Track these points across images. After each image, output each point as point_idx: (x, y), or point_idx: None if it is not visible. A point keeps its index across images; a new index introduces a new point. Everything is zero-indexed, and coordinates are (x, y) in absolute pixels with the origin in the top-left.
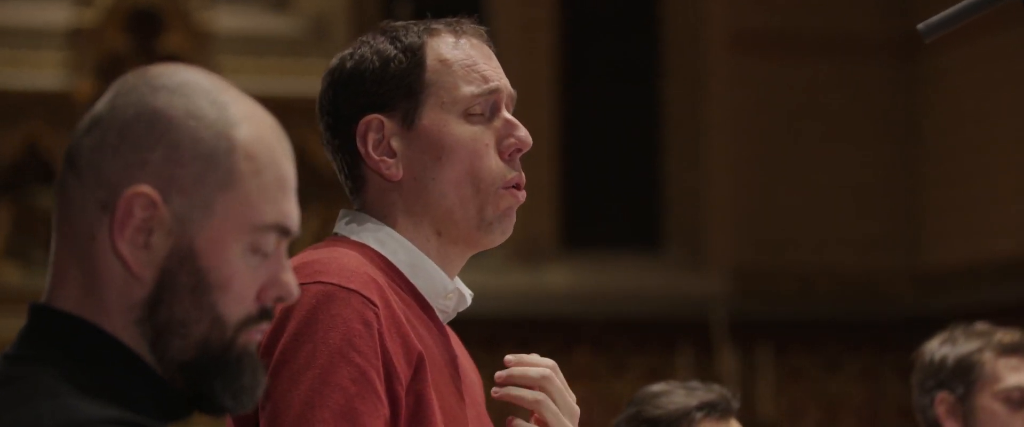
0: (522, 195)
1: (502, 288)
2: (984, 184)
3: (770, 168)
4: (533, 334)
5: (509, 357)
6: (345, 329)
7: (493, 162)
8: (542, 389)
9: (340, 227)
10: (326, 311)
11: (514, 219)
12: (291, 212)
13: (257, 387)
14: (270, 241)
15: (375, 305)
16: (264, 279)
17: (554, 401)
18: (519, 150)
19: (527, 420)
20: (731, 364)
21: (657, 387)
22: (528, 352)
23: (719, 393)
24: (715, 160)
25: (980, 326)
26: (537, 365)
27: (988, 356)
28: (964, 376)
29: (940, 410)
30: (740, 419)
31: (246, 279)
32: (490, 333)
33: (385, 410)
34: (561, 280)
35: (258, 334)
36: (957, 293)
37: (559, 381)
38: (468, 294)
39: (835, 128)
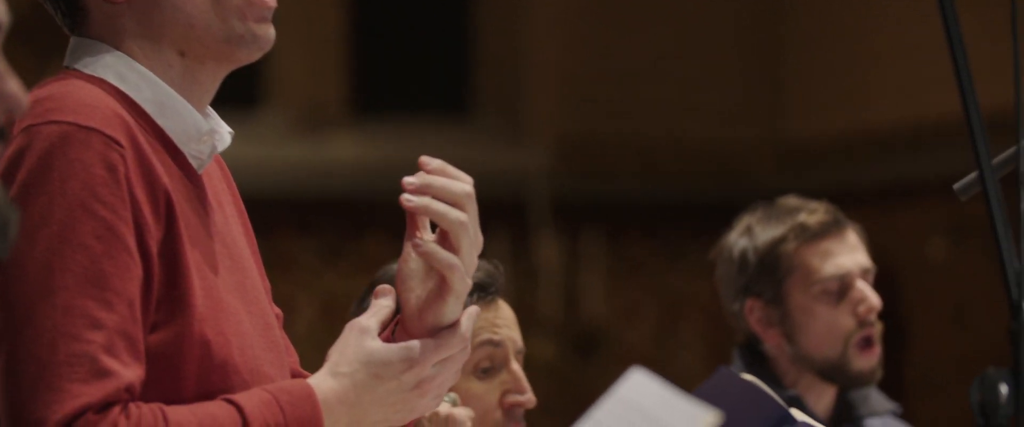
0: None
1: (280, 162)
2: (860, 41)
3: (604, 20)
4: (318, 217)
5: (425, 159)
6: (86, 176)
7: None
8: (464, 209)
9: (70, 60)
10: (62, 155)
11: (271, 26)
12: None
13: (9, 226)
14: None
15: (120, 145)
16: None
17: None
18: None
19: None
20: (553, 253)
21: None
22: (312, 237)
23: (485, 271)
24: (537, 9)
25: (784, 203)
26: (460, 178)
27: (792, 246)
28: (769, 275)
29: (752, 320)
30: (564, 319)
31: None
32: (265, 215)
33: (138, 270)
34: (351, 152)
35: None
36: (828, 169)
37: (474, 204)
38: (226, 132)
39: None
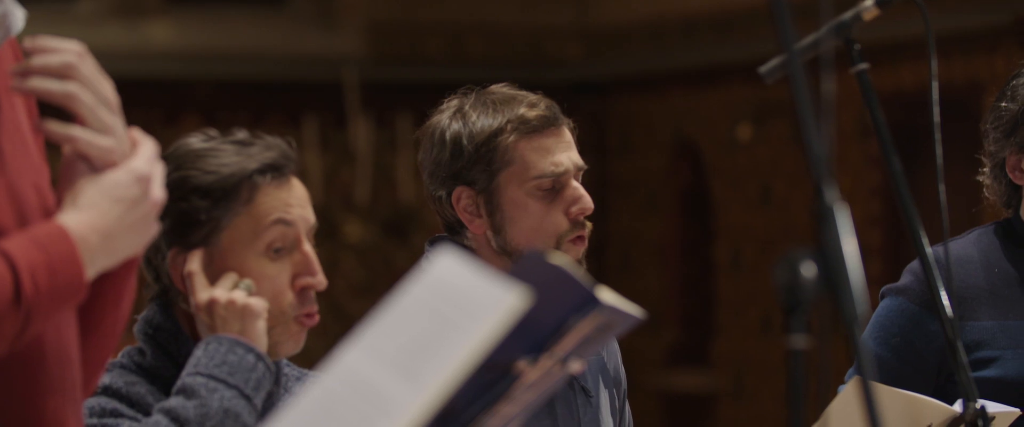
0: None
1: (98, 46)
2: None
3: None
4: (134, 99)
5: (26, 40)
6: None
7: None
8: (70, 79)
9: None
10: None
11: None
12: None
13: None
14: None
15: None
16: None
17: (86, 89)
18: None
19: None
20: (366, 137)
21: (198, 143)
22: (129, 119)
23: (279, 150)
24: None
25: (500, 91)
26: (58, 50)
27: (511, 139)
28: (484, 165)
29: (458, 208)
30: (377, 201)
31: None
32: None
33: None
34: (167, 36)
35: None
36: (636, 54)
37: (87, 67)
38: (19, 16)
39: None
